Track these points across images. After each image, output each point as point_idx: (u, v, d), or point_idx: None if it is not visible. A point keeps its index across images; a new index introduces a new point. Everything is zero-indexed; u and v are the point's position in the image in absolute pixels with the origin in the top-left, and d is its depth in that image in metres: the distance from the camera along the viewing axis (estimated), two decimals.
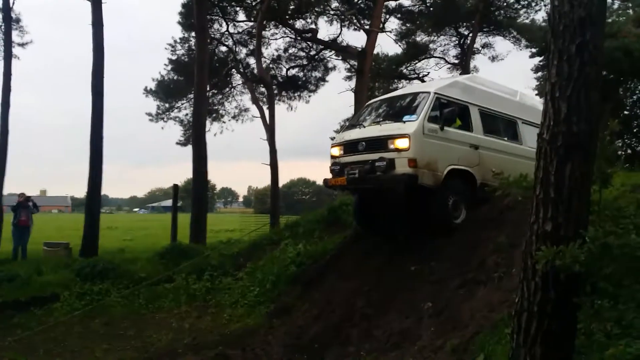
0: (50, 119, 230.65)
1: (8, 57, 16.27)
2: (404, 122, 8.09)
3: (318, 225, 11.95)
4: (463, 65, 27.50)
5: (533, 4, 25.77)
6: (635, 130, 28.83)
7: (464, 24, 27.67)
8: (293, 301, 8.94)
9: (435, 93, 8.37)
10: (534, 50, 26.05)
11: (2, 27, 17.47)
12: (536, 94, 22.77)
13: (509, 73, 65.49)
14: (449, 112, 8.21)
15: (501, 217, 7.66)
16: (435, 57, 29.38)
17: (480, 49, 28.71)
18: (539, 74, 26.90)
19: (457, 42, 28.87)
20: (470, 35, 27.28)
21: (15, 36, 17.85)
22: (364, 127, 8.81)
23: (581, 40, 3.26)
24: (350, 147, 8.74)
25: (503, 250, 6.72)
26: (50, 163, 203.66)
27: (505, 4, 26.99)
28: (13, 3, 16.74)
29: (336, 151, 8.99)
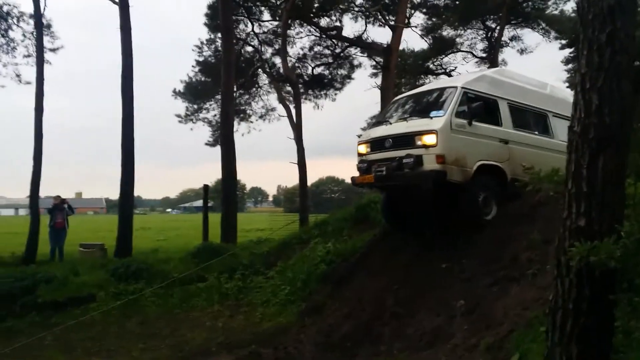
0: (85, 122, 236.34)
1: (40, 63, 16.69)
2: (431, 118, 8.00)
3: (347, 223, 11.92)
4: (491, 58, 27.11)
5: None
6: None
7: (491, 16, 27.25)
8: (324, 299, 8.95)
9: (462, 88, 8.26)
10: (563, 41, 25.53)
11: (34, 33, 17.90)
12: (567, 86, 22.27)
13: (538, 66, 64.38)
14: (477, 106, 8.09)
15: (533, 213, 7.51)
16: (463, 51, 29.09)
17: (508, 41, 28.29)
18: (570, 65, 26.37)
19: (484, 35, 28.47)
20: (498, 28, 26.87)
21: (46, 42, 18.27)
22: (391, 124, 8.74)
23: (611, 28, 3.16)
24: (377, 144, 8.68)
25: (536, 246, 6.58)
26: (86, 165, 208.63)
27: None
28: (44, 9, 17.16)
29: (363, 149, 8.95)
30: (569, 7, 24.86)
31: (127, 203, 16.17)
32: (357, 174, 9.03)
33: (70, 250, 15.28)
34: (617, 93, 3.16)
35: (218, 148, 17.97)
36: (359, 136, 10.27)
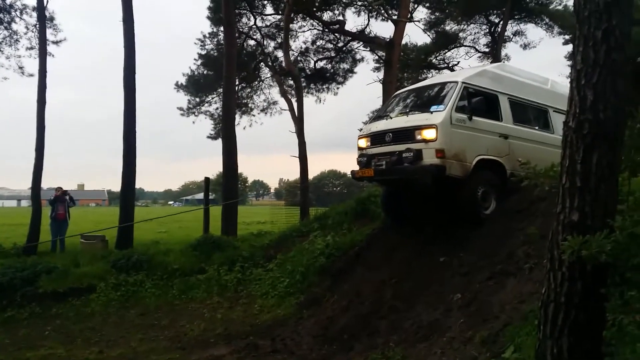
0: (87, 114, 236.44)
1: (43, 55, 16.69)
2: (431, 112, 8.02)
3: (346, 217, 11.98)
4: (494, 53, 27.00)
5: None
6: None
7: (495, 11, 27.11)
8: (322, 292, 9.01)
9: (463, 82, 8.27)
10: (567, 37, 25.39)
11: (37, 25, 17.92)
12: (570, 82, 22.22)
13: (541, 61, 64.07)
14: (477, 101, 8.11)
15: (531, 208, 7.54)
16: (465, 46, 28.95)
17: (511, 36, 28.10)
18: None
19: (487, 30, 28.33)
20: (501, 23, 26.71)
21: (49, 34, 18.28)
22: (391, 118, 8.77)
23: (607, 26, 3.19)
24: (377, 138, 8.72)
25: (533, 241, 6.60)
26: (88, 157, 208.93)
27: None
28: (47, 2, 17.17)
29: (363, 143, 8.98)
30: (572, 2, 24.78)
31: (128, 195, 16.21)
32: (357, 167, 9.07)
33: (72, 241, 15.35)
34: (612, 90, 3.19)
35: (220, 141, 17.99)
36: (360, 130, 10.29)
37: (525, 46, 28.13)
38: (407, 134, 8.13)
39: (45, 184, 17.09)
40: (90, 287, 10.59)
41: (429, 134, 7.79)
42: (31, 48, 19.23)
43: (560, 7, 25.39)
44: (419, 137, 7.90)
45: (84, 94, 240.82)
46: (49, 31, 18.23)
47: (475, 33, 28.64)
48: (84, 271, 11.14)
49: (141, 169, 16.21)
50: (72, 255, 12.96)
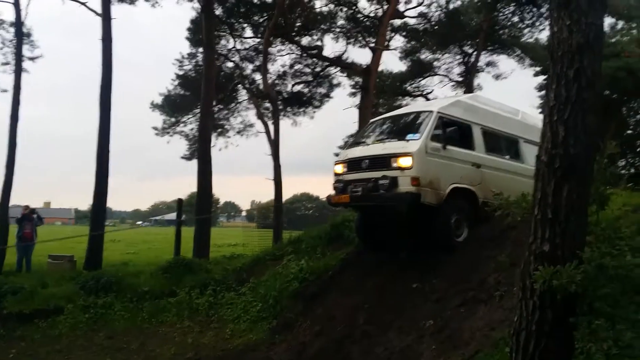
0: (58, 130, 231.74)
1: (18, 71, 16.52)
2: (407, 140, 8.17)
3: (320, 241, 11.97)
4: (467, 83, 27.71)
5: (537, 24, 26.03)
6: (638, 150, 28.87)
7: (468, 42, 27.88)
8: (295, 317, 8.96)
9: (438, 112, 8.46)
10: (537, 68, 26.23)
11: (14, 41, 17.73)
12: (540, 112, 22.88)
13: (512, 91, 65.54)
14: (452, 131, 8.29)
15: (502, 236, 7.70)
16: (440, 74, 29.67)
17: (484, 67, 28.96)
18: (543, 92, 27.03)
19: (461, 60, 29.07)
20: (475, 53, 27.50)
21: (25, 50, 18.12)
22: (368, 145, 8.89)
23: (579, 65, 3.36)
24: (353, 164, 8.81)
25: (504, 269, 6.74)
26: (56, 174, 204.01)
27: (509, 23, 27.23)
28: (25, 17, 17.03)
29: (340, 168, 9.05)
30: (543, 36, 25.63)
31: (99, 214, 15.95)
32: (332, 192, 9.13)
33: (39, 261, 14.97)
34: (583, 126, 3.35)
35: (194, 162, 17.91)
36: (337, 154, 10.39)
37: (497, 77, 29.04)
38: (383, 161, 8.24)
39: (12, 201, 16.61)
40: (57, 308, 10.31)
41: (405, 161, 7.91)
42: (6, 63, 19.00)
43: (531, 40, 26.31)
44: (395, 165, 8.02)
45: (55, 109, 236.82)
46: (25, 47, 18.08)
47: (449, 62, 29.41)
48: (52, 292, 10.87)
49: (110, 187, 15.96)
50: (39, 275, 12.63)
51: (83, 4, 17.72)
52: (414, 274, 8.04)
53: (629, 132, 28.41)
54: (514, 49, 27.12)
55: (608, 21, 23.12)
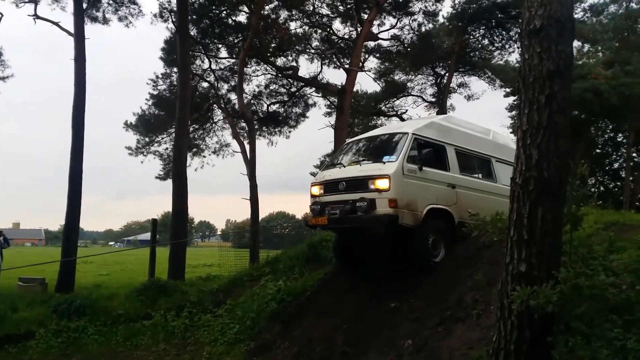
0: (28, 150, 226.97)
1: None
2: (384, 162, 8.25)
3: (298, 261, 11.93)
4: (440, 103, 28.23)
5: (506, 46, 26.86)
6: (607, 168, 29.72)
7: (441, 64, 28.56)
8: (273, 338, 8.89)
9: (413, 134, 8.59)
10: (508, 90, 26.98)
11: None
12: (510, 132, 23.46)
13: (484, 111, 67.14)
14: (427, 152, 8.42)
15: (478, 255, 7.79)
16: (413, 95, 30.29)
17: (456, 88, 29.71)
18: (513, 112, 27.77)
19: (434, 81, 29.76)
20: (447, 74, 28.12)
21: None
22: (344, 166, 8.95)
23: (550, 91, 3.49)
24: (330, 186, 8.84)
25: (480, 287, 6.82)
26: (26, 195, 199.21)
27: (480, 45, 28.02)
28: None
29: (316, 190, 9.07)
30: (513, 58, 26.40)
31: (72, 235, 15.63)
32: (309, 213, 9.13)
33: (8, 284, 14.53)
34: (555, 150, 3.47)
35: (168, 181, 17.71)
36: (313, 174, 10.43)
37: (469, 97, 29.78)
38: (360, 184, 8.29)
39: None
40: (28, 333, 10.07)
41: (382, 183, 7.98)
42: None
43: (501, 62, 27.07)
44: (372, 187, 8.07)
45: (26, 129, 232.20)
46: None
47: (422, 83, 30.07)
48: (22, 316, 10.61)
49: (82, 207, 15.67)
50: (8, 299, 12.26)
51: (55, 23, 17.59)
52: (392, 293, 8.07)
53: (598, 151, 29.27)
54: (485, 70, 27.89)
55: (575, 44, 23.93)
